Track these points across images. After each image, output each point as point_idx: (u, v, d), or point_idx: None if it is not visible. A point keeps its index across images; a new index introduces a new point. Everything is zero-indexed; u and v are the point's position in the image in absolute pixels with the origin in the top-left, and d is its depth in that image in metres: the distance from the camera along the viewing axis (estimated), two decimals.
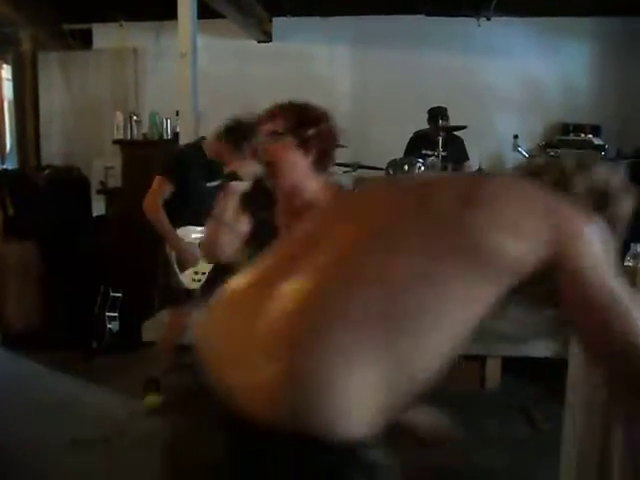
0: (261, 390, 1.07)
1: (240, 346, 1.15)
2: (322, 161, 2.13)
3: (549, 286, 1.19)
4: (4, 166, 7.63)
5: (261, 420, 1.06)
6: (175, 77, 5.55)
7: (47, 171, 6.42)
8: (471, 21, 6.51)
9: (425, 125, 6.17)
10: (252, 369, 1.10)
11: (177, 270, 3.91)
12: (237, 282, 1.28)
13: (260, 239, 1.91)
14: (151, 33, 7.36)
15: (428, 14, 6.66)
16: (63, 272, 5.28)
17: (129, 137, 6.23)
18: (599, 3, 6.42)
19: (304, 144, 2.10)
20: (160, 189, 3.84)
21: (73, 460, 2.99)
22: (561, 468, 2.24)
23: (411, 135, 6.30)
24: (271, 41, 7.37)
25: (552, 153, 6.35)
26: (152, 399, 3.89)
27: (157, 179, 3.86)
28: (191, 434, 1.28)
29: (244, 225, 2.12)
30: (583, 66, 6.92)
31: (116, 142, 6.21)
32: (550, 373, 2.98)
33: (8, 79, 8.01)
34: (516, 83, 6.88)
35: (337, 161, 6.72)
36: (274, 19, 7.34)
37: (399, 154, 6.04)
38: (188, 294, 3.92)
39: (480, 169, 5.92)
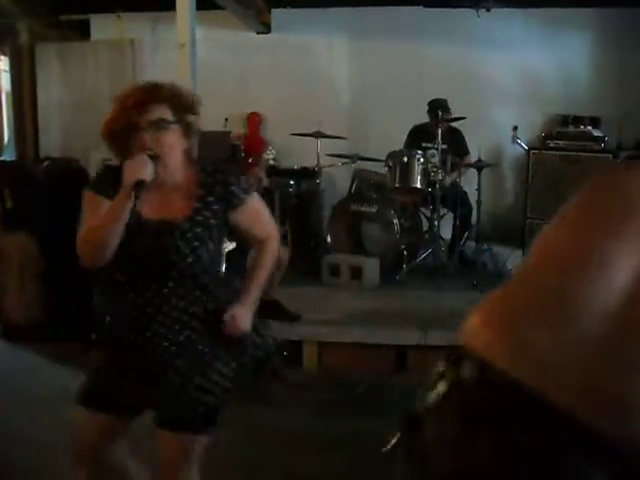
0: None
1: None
2: (193, 144, 2.20)
3: None
4: (2, 158, 7.62)
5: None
6: (173, 68, 5.53)
7: (45, 163, 6.40)
8: (470, 12, 6.48)
9: (424, 117, 6.16)
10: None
11: None
12: None
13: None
14: (149, 24, 7.34)
15: (427, 5, 6.63)
16: (62, 263, 5.27)
17: None
18: None
19: (187, 130, 2.15)
20: None
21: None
22: None
23: (411, 127, 6.30)
24: (270, 32, 7.34)
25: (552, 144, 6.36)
26: None
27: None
28: None
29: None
30: (583, 57, 6.90)
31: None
32: None
33: (6, 71, 7.99)
34: (515, 74, 6.87)
35: (337, 152, 6.77)
36: (273, 10, 7.32)
37: (398, 145, 6.04)
38: None
39: (479, 160, 5.91)
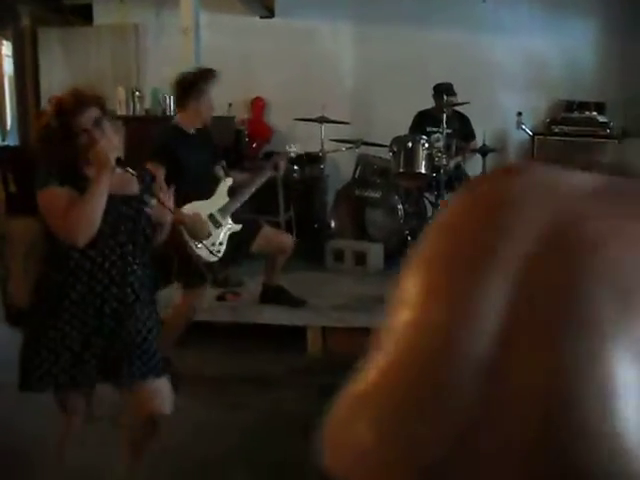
0: None
1: None
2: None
3: None
4: (5, 143, 7.61)
5: None
6: (177, 53, 5.51)
7: None
8: None
9: (429, 101, 6.13)
10: None
11: (193, 244, 3.88)
12: None
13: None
14: (152, 9, 7.30)
15: None
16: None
17: (132, 113, 6.20)
18: None
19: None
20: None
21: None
22: None
23: (415, 113, 6.27)
24: (274, 17, 7.31)
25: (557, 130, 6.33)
26: None
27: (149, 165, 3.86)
28: None
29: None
30: (587, 43, 6.86)
31: (118, 119, 6.18)
32: None
33: (8, 55, 7.96)
34: (520, 60, 6.83)
35: (341, 138, 6.70)
36: None
37: (403, 131, 6.02)
38: (209, 268, 3.93)
39: (484, 146, 5.89)
